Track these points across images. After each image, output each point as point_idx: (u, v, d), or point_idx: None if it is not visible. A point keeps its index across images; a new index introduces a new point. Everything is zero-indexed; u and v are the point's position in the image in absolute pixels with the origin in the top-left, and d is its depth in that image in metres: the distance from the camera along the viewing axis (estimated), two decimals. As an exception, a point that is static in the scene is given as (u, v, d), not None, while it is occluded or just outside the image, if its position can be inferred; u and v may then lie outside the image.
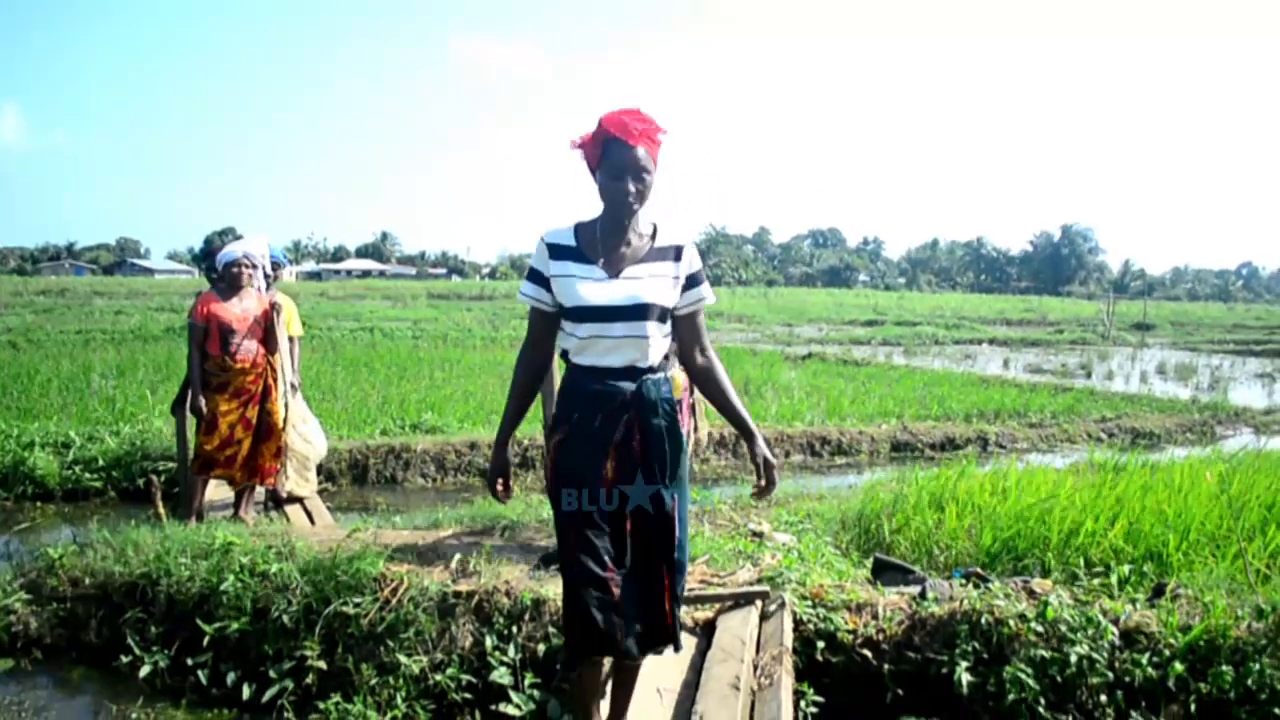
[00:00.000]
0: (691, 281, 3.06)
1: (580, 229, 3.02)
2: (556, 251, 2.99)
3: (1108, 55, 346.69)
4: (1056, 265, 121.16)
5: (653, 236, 3.04)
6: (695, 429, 5.26)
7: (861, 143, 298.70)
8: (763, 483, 3.07)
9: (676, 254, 3.03)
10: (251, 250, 6.32)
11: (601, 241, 2.98)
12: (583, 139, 3.01)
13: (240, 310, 6.21)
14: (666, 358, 3.08)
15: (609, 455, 2.98)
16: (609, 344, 2.94)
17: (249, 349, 6.21)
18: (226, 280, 6.25)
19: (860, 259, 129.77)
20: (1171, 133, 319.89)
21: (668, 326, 3.06)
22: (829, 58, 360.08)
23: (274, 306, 6.34)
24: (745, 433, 3.14)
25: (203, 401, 6.12)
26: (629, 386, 2.96)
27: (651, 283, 2.97)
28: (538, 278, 3.02)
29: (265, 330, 6.29)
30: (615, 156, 2.91)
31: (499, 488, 3.12)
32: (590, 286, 2.93)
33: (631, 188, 2.92)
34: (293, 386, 6.72)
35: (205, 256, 6.96)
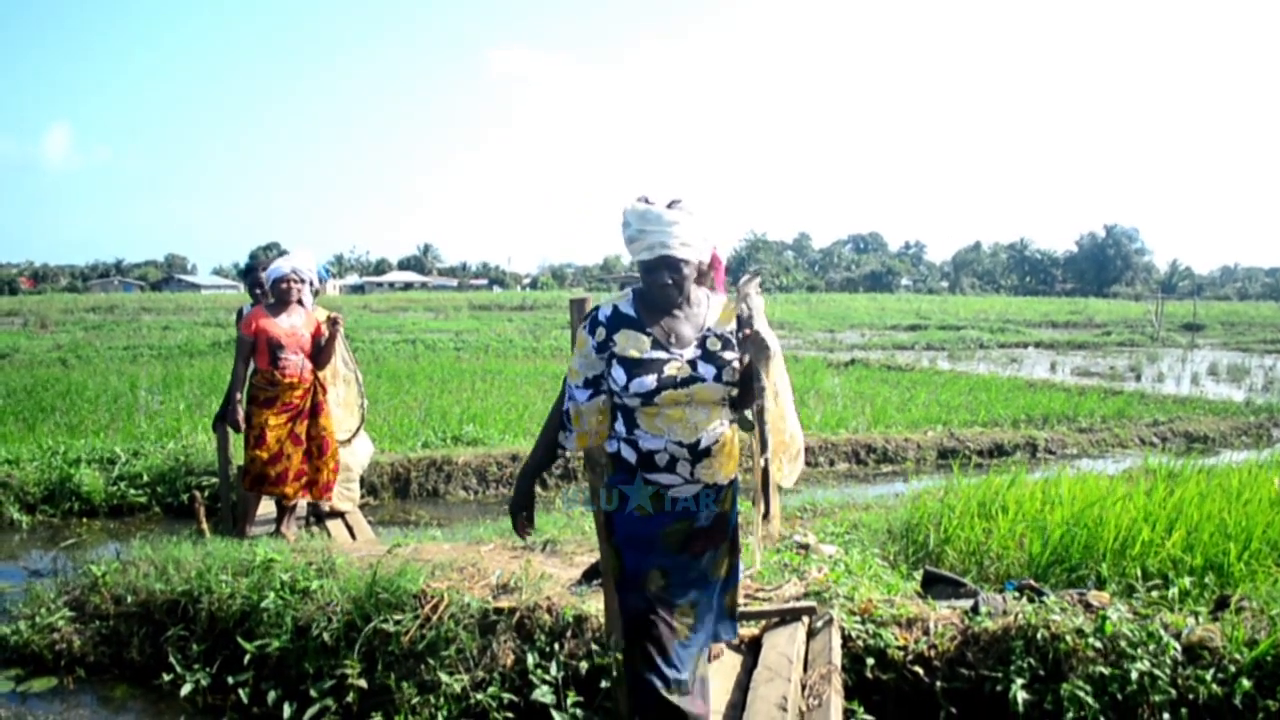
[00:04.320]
0: None
1: None
2: None
3: (1151, 53, 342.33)
4: (1101, 266, 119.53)
5: None
6: None
7: (902, 146, 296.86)
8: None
9: None
10: (299, 265, 6.31)
11: None
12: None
13: (289, 325, 6.21)
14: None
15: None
16: None
17: (297, 364, 6.20)
18: (275, 296, 6.25)
19: (902, 263, 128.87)
20: (1216, 129, 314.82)
21: None
22: (871, 61, 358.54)
23: (333, 320, 6.33)
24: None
25: (240, 414, 6.13)
26: None
27: None
28: None
29: (315, 346, 6.28)
30: None
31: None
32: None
33: None
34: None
35: (248, 272, 6.94)
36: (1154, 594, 4.65)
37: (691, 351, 2.92)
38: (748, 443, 3.49)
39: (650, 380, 2.85)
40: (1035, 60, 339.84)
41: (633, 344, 2.91)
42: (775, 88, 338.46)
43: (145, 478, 8.50)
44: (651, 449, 2.92)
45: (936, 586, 4.93)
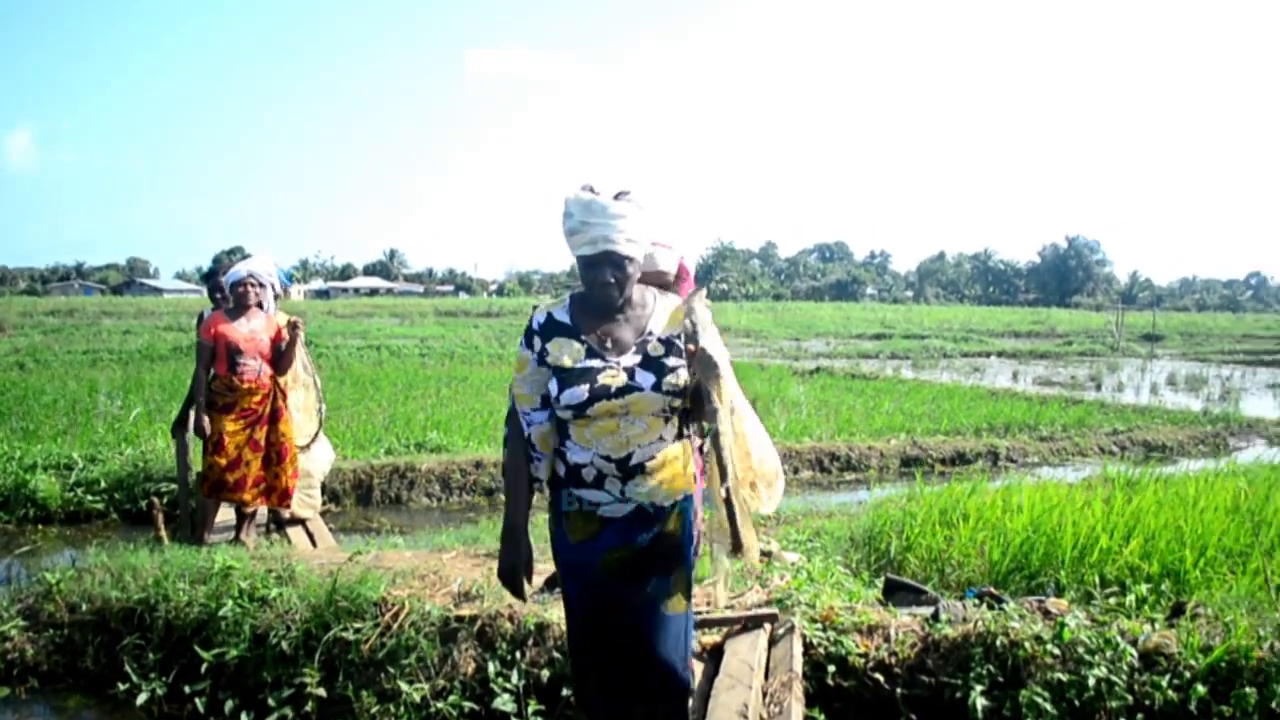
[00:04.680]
0: None
1: None
2: None
3: (1113, 66, 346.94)
4: (1064, 277, 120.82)
5: None
6: None
7: (868, 156, 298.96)
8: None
9: None
10: (257, 269, 6.23)
11: None
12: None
13: (248, 330, 6.14)
14: None
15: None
16: None
17: (255, 369, 6.13)
18: (234, 300, 6.19)
19: (867, 272, 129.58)
20: (1177, 143, 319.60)
21: None
22: (833, 71, 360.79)
23: (293, 324, 6.26)
24: None
25: (206, 421, 6.06)
26: None
27: None
28: None
29: (275, 351, 6.21)
30: None
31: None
32: None
33: None
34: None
35: (209, 276, 6.84)
36: (1111, 601, 4.70)
37: (630, 358, 2.74)
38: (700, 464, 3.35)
39: (582, 391, 2.67)
40: (1000, 73, 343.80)
41: (566, 352, 2.74)
42: (742, 97, 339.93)
43: (103, 484, 8.38)
44: (578, 462, 2.74)
45: (898, 594, 4.95)
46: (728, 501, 2.60)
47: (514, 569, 2.85)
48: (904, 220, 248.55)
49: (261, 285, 6.24)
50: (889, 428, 12.38)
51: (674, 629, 2.87)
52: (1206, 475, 7.65)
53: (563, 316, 2.82)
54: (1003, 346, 35.42)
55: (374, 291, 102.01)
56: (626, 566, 2.80)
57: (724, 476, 2.59)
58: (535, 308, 2.86)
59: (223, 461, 6.08)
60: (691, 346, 2.62)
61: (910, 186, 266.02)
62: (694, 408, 2.76)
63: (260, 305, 6.27)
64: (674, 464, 2.77)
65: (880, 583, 5.19)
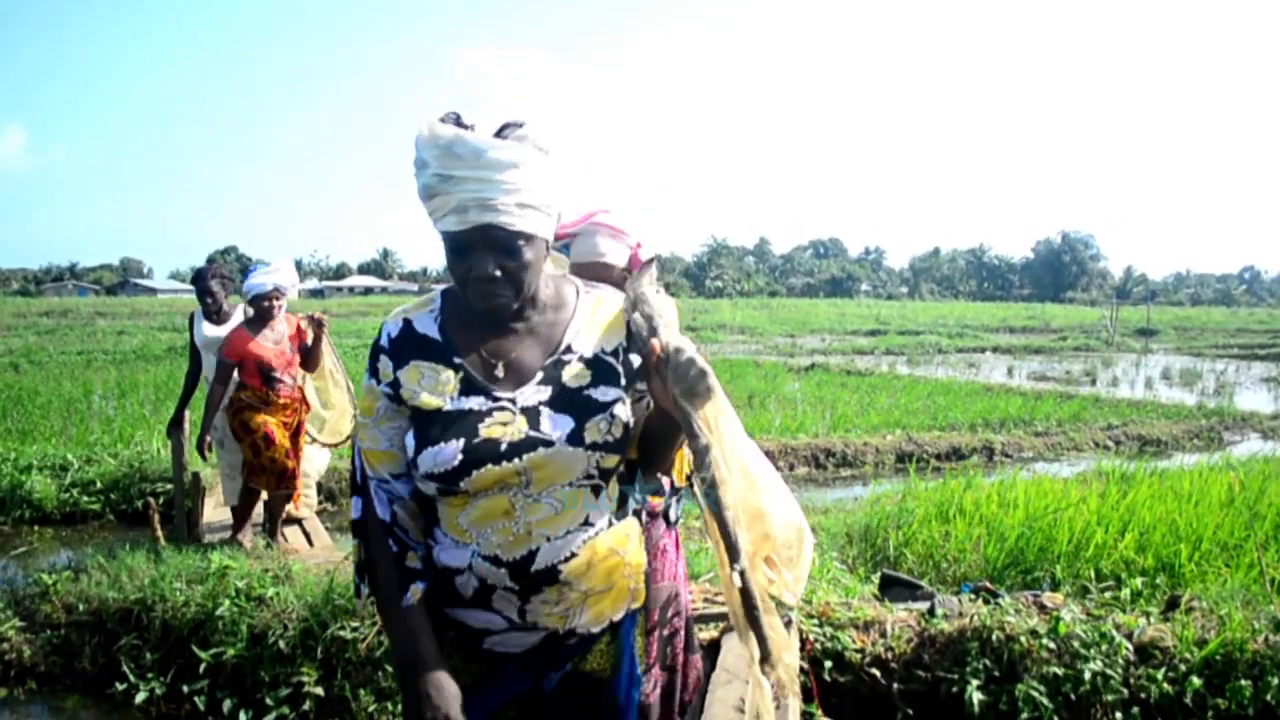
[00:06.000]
0: None
1: None
2: None
3: (1106, 61, 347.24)
4: (1058, 272, 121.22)
5: None
6: None
7: (862, 152, 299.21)
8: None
9: None
10: (283, 282, 5.92)
11: None
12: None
13: (274, 344, 5.89)
14: None
15: None
16: None
17: (289, 385, 5.94)
18: (256, 312, 5.91)
19: (862, 268, 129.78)
20: (1171, 138, 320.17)
21: None
22: (828, 67, 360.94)
23: (317, 321, 6.02)
24: None
25: (208, 440, 5.90)
26: None
27: None
28: None
29: (302, 351, 6.05)
30: None
31: None
32: None
33: None
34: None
35: (198, 278, 6.42)
36: (1107, 595, 4.72)
37: (534, 392, 1.75)
38: (664, 546, 2.85)
39: (452, 450, 1.69)
40: (994, 69, 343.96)
41: (429, 385, 1.75)
42: (736, 93, 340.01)
43: (98, 485, 8.36)
44: (451, 565, 1.75)
45: (894, 589, 4.97)
46: (744, 592, 1.65)
47: (421, 713, 1.70)
48: (898, 216, 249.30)
49: (283, 296, 5.98)
50: (884, 424, 12.39)
51: None
52: (1201, 469, 7.67)
53: (428, 327, 1.82)
54: (997, 342, 35.47)
55: (368, 290, 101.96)
56: None
57: (733, 556, 1.66)
58: (384, 325, 1.87)
59: (281, 451, 5.92)
60: (655, 347, 1.69)
61: (904, 182, 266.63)
62: (648, 451, 1.89)
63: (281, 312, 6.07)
64: (608, 564, 1.79)
65: (876, 578, 5.21)
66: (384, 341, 1.82)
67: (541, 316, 1.82)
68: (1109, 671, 3.91)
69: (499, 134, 1.68)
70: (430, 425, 1.72)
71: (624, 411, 1.78)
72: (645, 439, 1.87)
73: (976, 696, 3.91)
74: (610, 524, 1.80)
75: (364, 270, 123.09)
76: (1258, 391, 20.01)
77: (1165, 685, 3.87)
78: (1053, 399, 15.16)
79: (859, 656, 4.22)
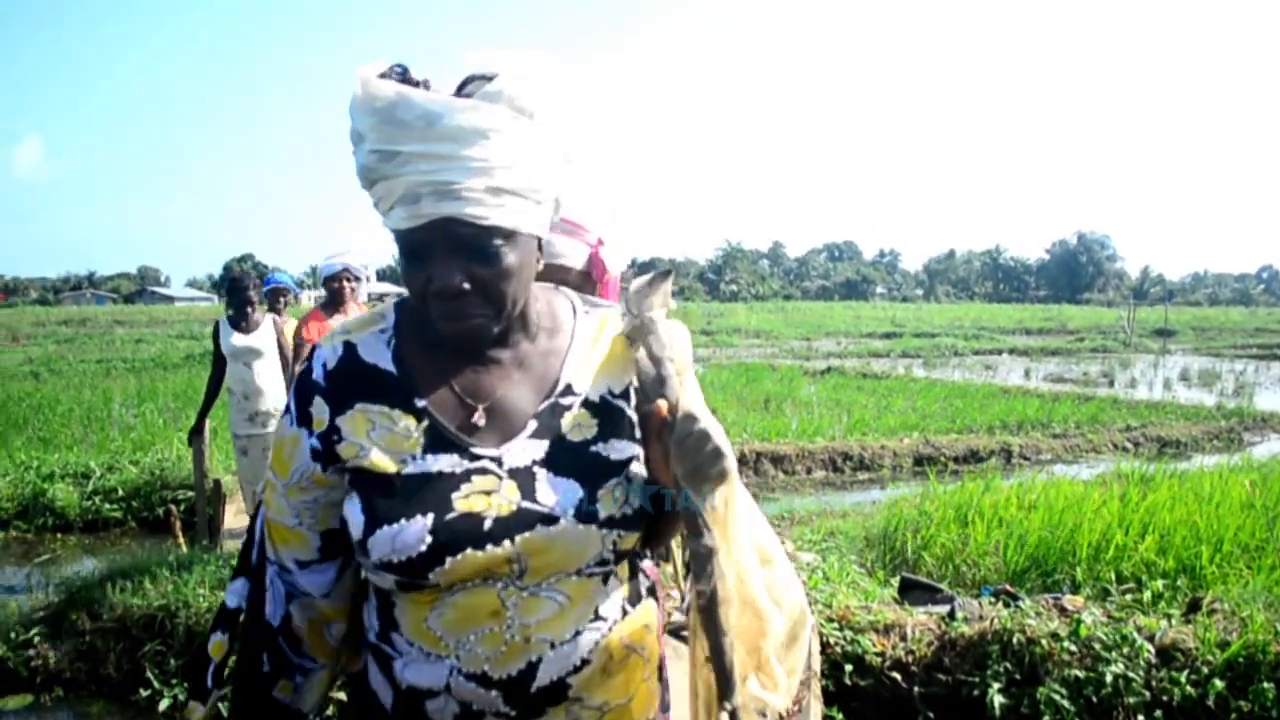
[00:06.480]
0: None
1: None
2: None
3: (1122, 61, 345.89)
4: (1074, 273, 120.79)
5: None
6: None
7: (876, 154, 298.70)
8: None
9: None
10: (352, 263, 5.92)
11: None
12: None
13: None
14: None
15: None
16: None
17: None
18: (329, 295, 5.90)
19: (877, 271, 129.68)
20: (1187, 136, 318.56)
21: None
22: (842, 69, 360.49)
23: None
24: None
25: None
26: None
27: None
28: None
29: None
30: None
31: None
32: None
33: None
34: None
35: (240, 290, 6.32)
36: (1128, 597, 4.71)
37: (526, 446, 1.31)
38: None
39: (417, 530, 1.23)
40: (1009, 70, 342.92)
41: (379, 438, 1.28)
42: (750, 95, 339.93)
43: (120, 492, 8.43)
44: (420, 685, 1.29)
45: (913, 592, 4.97)
46: None
47: None
48: (913, 218, 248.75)
49: (356, 279, 5.97)
50: (901, 426, 12.37)
51: None
52: (1221, 470, 7.65)
53: (378, 354, 1.34)
54: (1014, 344, 35.32)
55: (381, 297, 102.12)
56: None
57: (725, 691, 1.31)
58: (314, 350, 1.37)
59: None
60: (660, 408, 1.28)
61: (919, 184, 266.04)
62: (656, 526, 1.40)
63: (356, 300, 6.04)
64: (627, 666, 1.36)
65: (896, 582, 5.21)
66: (317, 375, 1.32)
67: (533, 344, 1.36)
68: (1130, 674, 3.90)
69: (461, 91, 1.23)
70: (384, 495, 1.25)
71: (642, 473, 1.35)
72: (651, 515, 1.37)
73: (998, 699, 3.91)
74: (625, 612, 1.36)
75: (381, 277, 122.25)
76: (1277, 391, 19.88)
77: (1187, 688, 3.86)
78: (1070, 401, 15.11)
79: (879, 660, 4.22)
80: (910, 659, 4.22)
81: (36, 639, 4.93)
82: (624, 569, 1.38)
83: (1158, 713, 3.85)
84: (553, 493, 1.27)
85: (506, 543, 1.24)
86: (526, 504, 1.26)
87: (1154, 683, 3.91)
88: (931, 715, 4.08)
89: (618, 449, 1.34)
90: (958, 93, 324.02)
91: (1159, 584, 4.92)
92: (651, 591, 1.47)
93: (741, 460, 10.21)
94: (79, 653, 4.92)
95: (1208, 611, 4.31)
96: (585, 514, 1.27)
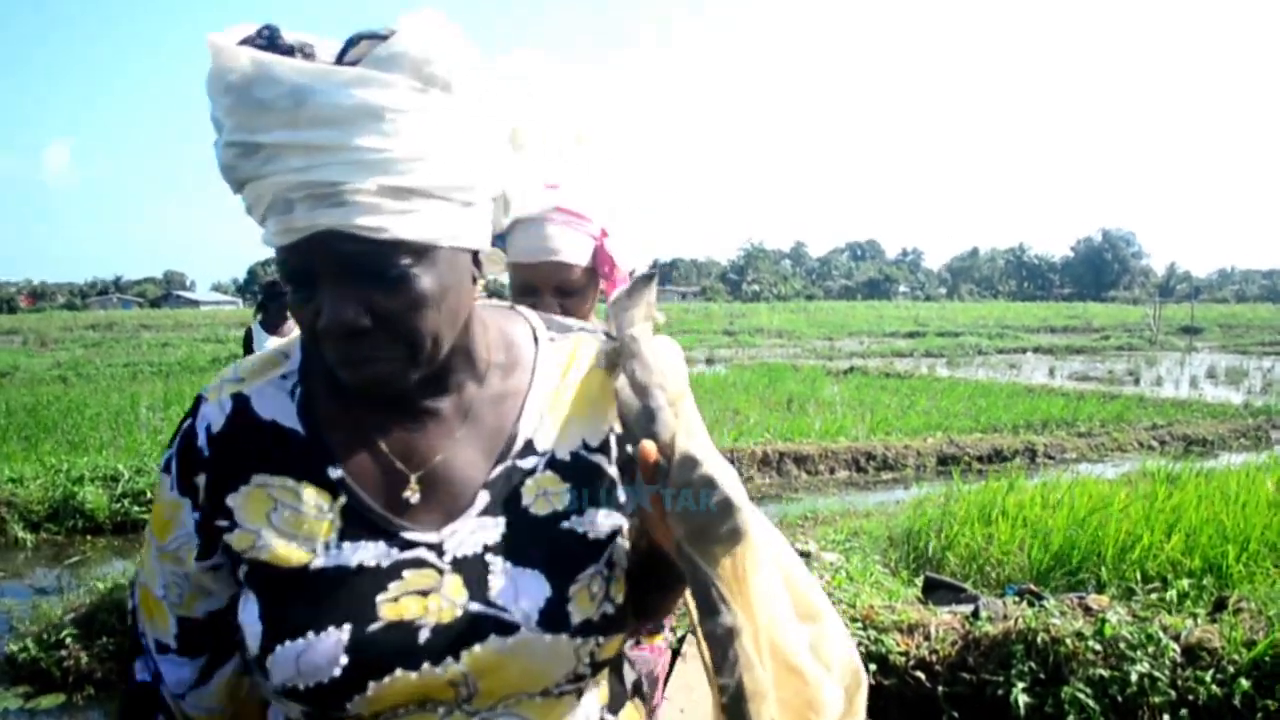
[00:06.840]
0: None
1: None
2: None
3: (1148, 58, 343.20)
4: (1099, 270, 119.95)
5: None
6: None
7: (899, 153, 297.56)
8: None
9: None
10: None
11: None
12: None
13: None
14: None
15: None
16: None
17: None
18: None
19: (900, 270, 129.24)
20: (1212, 132, 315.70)
21: None
22: (868, 69, 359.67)
23: None
24: None
25: None
26: None
27: None
28: None
29: None
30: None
31: None
32: None
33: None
34: None
35: (266, 289, 6.40)
36: (1153, 596, 4.69)
37: (474, 529, 0.99)
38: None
39: (331, 646, 0.91)
40: (1032, 66, 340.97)
41: (282, 521, 0.97)
42: (771, 95, 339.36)
43: (149, 495, 8.51)
44: None
45: (937, 592, 4.97)
46: None
47: None
48: (936, 217, 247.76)
49: None
50: (925, 426, 12.33)
51: None
52: (1248, 469, 7.59)
53: (278, 409, 1.03)
54: (1038, 342, 35.11)
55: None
56: None
57: None
58: (199, 401, 1.05)
59: None
60: (643, 450, 0.92)
61: (942, 183, 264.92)
62: (640, 600, 1.07)
63: None
64: None
65: (920, 581, 5.21)
66: (201, 441, 1.01)
67: (482, 388, 1.05)
68: (1156, 673, 3.88)
69: (343, 58, 0.90)
70: (289, 597, 0.94)
71: (623, 544, 1.04)
72: (628, 580, 1.05)
73: (1022, 699, 3.90)
74: None
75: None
76: (1306, 389, 19.69)
77: (1213, 687, 3.83)
78: (1096, 399, 15.01)
79: (903, 659, 4.21)
80: (934, 658, 4.21)
81: (68, 640, 5.00)
82: (605, 679, 1.09)
83: (1183, 712, 3.83)
84: (511, 590, 0.96)
85: (449, 660, 0.93)
86: (475, 606, 0.95)
87: (1179, 682, 3.89)
88: (956, 714, 4.08)
89: (597, 524, 1.02)
90: (982, 90, 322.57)
91: (1185, 583, 4.88)
92: (637, 689, 1.16)
93: (764, 461, 10.20)
94: (109, 653, 4.99)
95: (1234, 611, 4.29)
96: (553, 619, 0.96)
